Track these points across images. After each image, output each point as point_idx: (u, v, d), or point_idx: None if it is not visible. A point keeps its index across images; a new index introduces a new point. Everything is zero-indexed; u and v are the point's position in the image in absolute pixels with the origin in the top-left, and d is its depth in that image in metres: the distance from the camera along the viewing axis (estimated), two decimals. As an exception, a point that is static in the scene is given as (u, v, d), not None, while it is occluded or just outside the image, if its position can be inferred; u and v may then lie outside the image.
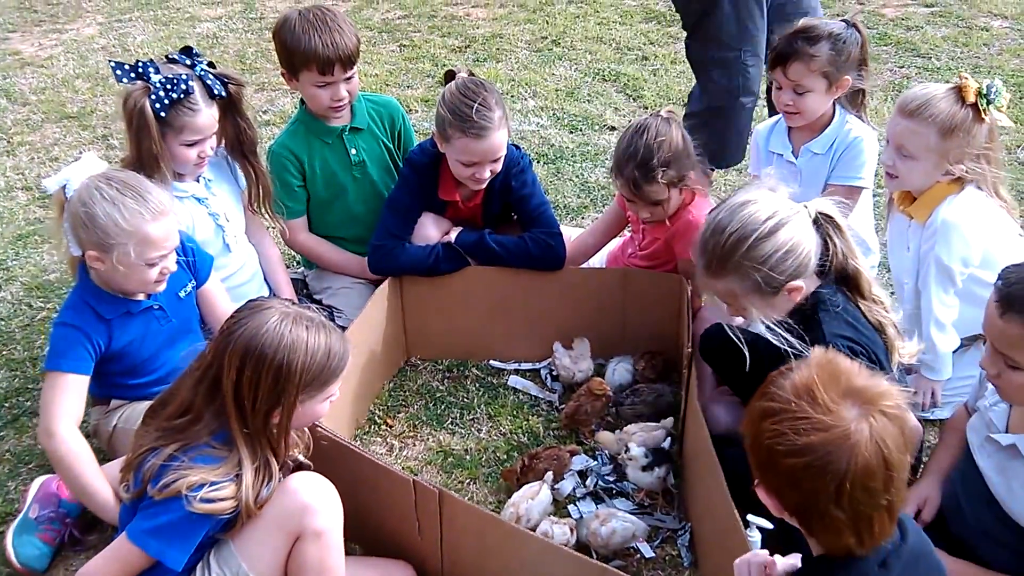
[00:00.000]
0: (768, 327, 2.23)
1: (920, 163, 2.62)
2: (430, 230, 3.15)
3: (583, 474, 2.87)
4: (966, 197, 2.63)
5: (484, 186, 3.09)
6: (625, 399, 3.04)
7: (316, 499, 2.15)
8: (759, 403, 1.58)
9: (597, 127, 4.93)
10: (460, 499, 2.39)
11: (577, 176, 4.45)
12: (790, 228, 2.22)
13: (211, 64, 2.88)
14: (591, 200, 4.28)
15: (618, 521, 2.56)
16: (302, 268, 3.58)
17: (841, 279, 2.33)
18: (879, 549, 1.55)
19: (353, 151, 3.29)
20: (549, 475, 2.69)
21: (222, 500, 2.01)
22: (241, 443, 2.05)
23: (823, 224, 2.29)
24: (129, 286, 2.54)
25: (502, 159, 3.03)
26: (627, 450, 2.79)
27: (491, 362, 3.32)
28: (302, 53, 3.05)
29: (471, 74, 3.05)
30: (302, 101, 3.29)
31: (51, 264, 3.79)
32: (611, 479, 2.85)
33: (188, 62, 2.81)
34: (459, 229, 3.17)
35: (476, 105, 2.90)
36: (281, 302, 2.12)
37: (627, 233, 3.44)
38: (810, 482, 1.49)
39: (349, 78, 3.15)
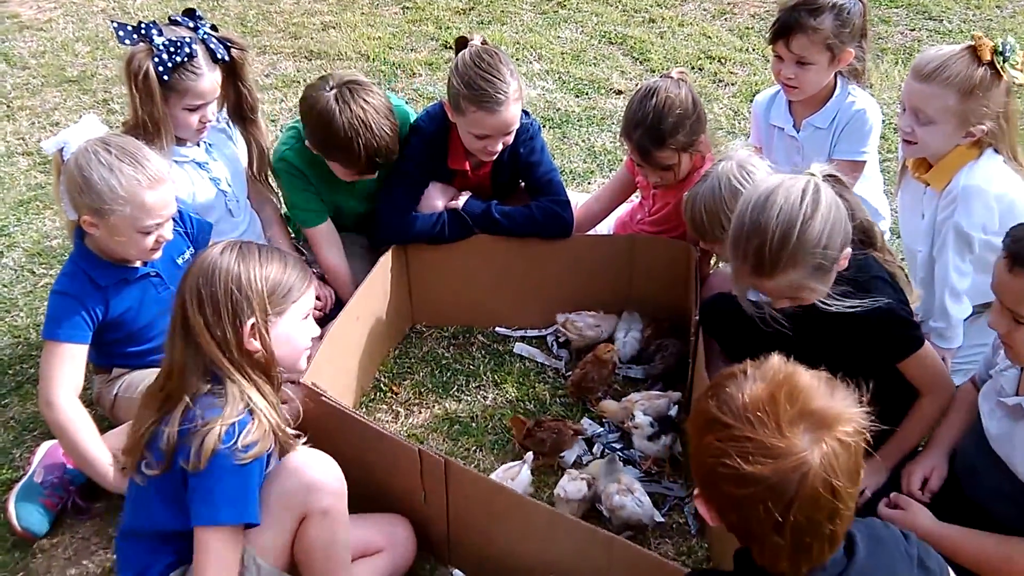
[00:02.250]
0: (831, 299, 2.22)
1: (940, 127, 2.55)
2: (436, 200, 3.09)
3: (590, 441, 2.86)
4: (986, 163, 2.57)
5: (495, 157, 3.04)
6: (653, 355, 3.02)
7: (320, 476, 2.12)
8: (707, 406, 1.47)
9: (603, 91, 4.86)
10: (466, 467, 2.37)
11: (583, 141, 4.39)
12: (822, 200, 2.12)
13: (214, 27, 2.82)
14: (597, 165, 4.23)
15: (633, 501, 2.54)
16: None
17: (857, 237, 2.30)
18: (818, 569, 1.49)
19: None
20: (529, 456, 2.66)
21: (257, 440, 1.98)
22: (234, 373, 2.02)
23: (833, 186, 2.24)
24: (124, 253, 2.51)
25: (515, 131, 2.97)
26: (632, 418, 2.77)
27: (497, 329, 3.29)
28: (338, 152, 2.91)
29: (484, 42, 2.97)
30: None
31: (53, 230, 3.76)
32: (618, 447, 2.84)
33: (191, 24, 2.76)
34: (467, 195, 3.11)
35: (490, 77, 2.82)
36: (228, 239, 2.13)
37: (635, 199, 3.40)
38: (751, 511, 1.40)
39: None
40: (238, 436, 1.95)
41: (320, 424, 2.57)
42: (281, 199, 3.28)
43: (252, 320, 2.02)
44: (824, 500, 1.38)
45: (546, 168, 3.11)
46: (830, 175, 2.24)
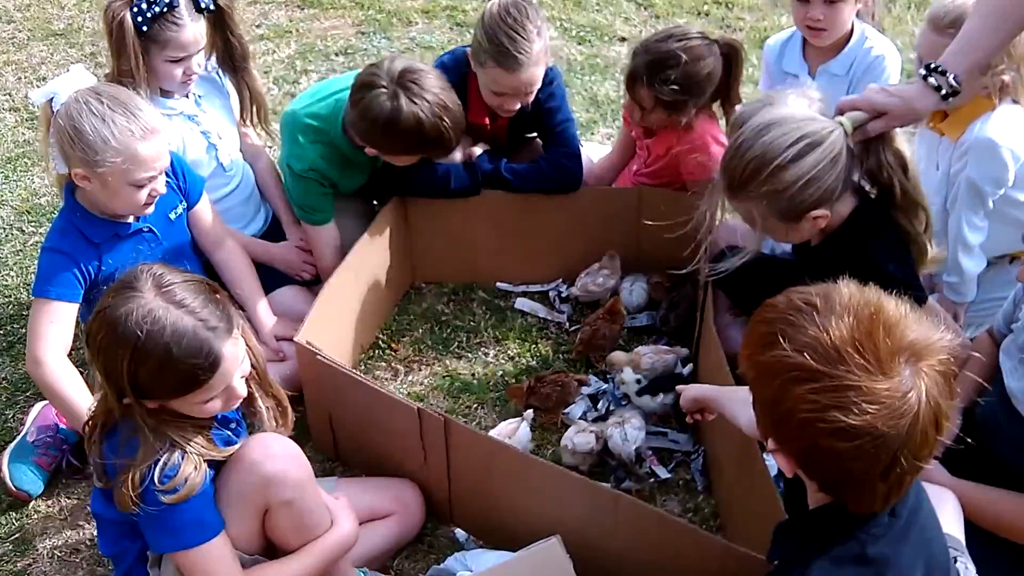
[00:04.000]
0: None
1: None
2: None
3: (594, 397, 2.79)
4: (1002, 113, 2.48)
5: (513, 114, 2.93)
6: (667, 312, 2.96)
7: (279, 469, 1.96)
8: (779, 353, 1.32)
9: (607, 38, 4.72)
10: (466, 426, 2.32)
11: (586, 90, 4.27)
12: (816, 154, 2.04)
13: (199, -25, 2.71)
14: (600, 115, 4.11)
15: (619, 433, 2.51)
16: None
17: (879, 192, 2.21)
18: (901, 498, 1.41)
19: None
20: (529, 413, 2.60)
21: (187, 476, 1.83)
22: (142, 422, 1.84)
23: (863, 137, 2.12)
24: (116, 207, 2.43)
25: (535, 91, 2.85)
26: (621, 371, 2.72)
27: (498, 284, 3.20)
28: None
29: None
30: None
31: (42, 187, 3.66)
32: (624, 403, 2.77)
33: None
34: (482, 147, 3.01)
35: (514, 35, 2.69)
36: (146, 268, 1.87)
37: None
38: (858, 463, 1.29)
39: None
40: (161, 478, 1.81)
41: (317, 384, 2.52)
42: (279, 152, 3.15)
43: (157, 403, 1.83)
44: (931, 436, 1.30)
45: (563, 116, 2.99)
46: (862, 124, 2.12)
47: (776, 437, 1.39)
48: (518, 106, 2.87)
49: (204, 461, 1.90)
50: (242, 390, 1.92)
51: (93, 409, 1.95)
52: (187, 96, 2.81)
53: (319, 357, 2.41)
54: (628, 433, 2.49)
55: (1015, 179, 2.50)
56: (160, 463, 1.83)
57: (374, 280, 2.95)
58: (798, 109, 2.14)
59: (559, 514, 2.18)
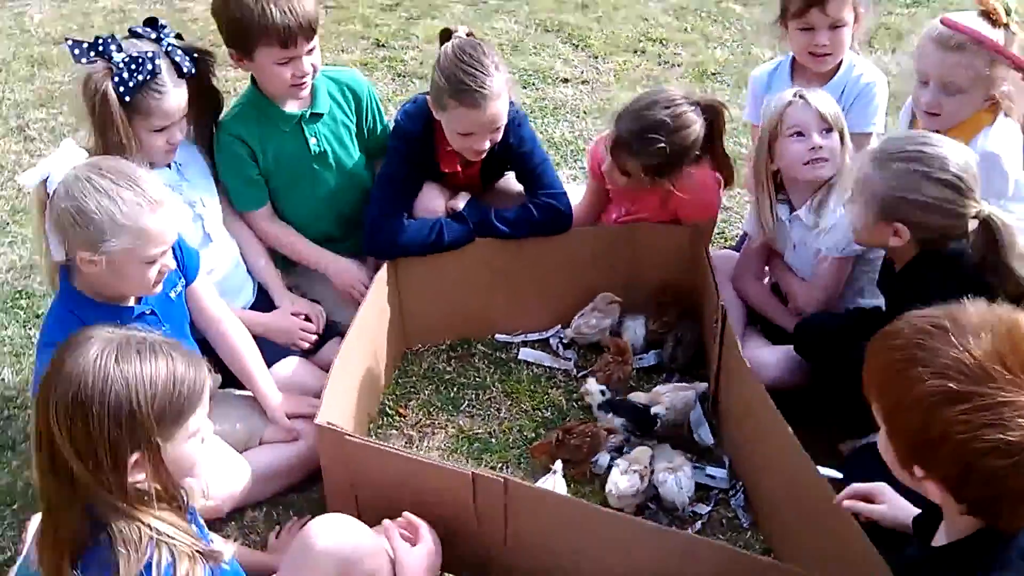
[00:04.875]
0: None
1: (969, 95, 2.53)
2: (436, 201, 2.91)
3: (618, 447, 2.73)
4: (1000, 128, 2.56)
5: (483, 156, 2.87)
6: (674, 349, 2.94)
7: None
8: (920, 381, 1.32)
9: (550, 80, 4.74)
10: (527, 485, 2.24)
11: (542, 132, 4.25)
12: (961, 199, 2.16)
13: (179, 35, 2.59)
14: (561, 156, 4.12)
15: (674, 481, 2.49)
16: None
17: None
18: None
19: (313, 140, 2.89)
20: (559, 464, 2.54)
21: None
22: (123, 513, 1.66)
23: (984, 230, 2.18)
24: (125, 289, 2.27)
25: (502, 128, 2.81)
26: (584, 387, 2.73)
27: (496, 337, 3.12)
28: (259, 26, 2.63)
29: (470, 34, 2.81)
30: (253, 81, 2.89)
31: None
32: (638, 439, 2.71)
33: (154, 36, 2.51)
34: (464, 196, 2.95)
35: (473, 71, 2.66)
36: (103, 330, 1.71)
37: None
38: (1016, 479, 1.29)
39: (311, 49, 2.77)
40: None
41: (343, 464, 2.38)
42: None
43: (136, 455, 1.66)
44: None
45: (540, 158, 2.97)
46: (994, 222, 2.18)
47: (924, 464, 1.38)
48: (487, 146, 2.82)
49: (198, 552, 1.72)
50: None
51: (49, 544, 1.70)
52: (168, 166, 2.66)
53: (348, 438, 2.29)
54: (682, 481, 2.46)
55: (1014, 192, 2.58)
56: (153, 566, 1.64)
57: (373, 348, 2.83)
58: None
59: (631, 564, 2.11)
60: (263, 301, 2.92)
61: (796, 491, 2.25)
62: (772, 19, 3.01)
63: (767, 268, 2.96)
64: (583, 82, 4.72)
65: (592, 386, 2.72)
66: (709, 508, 2.54)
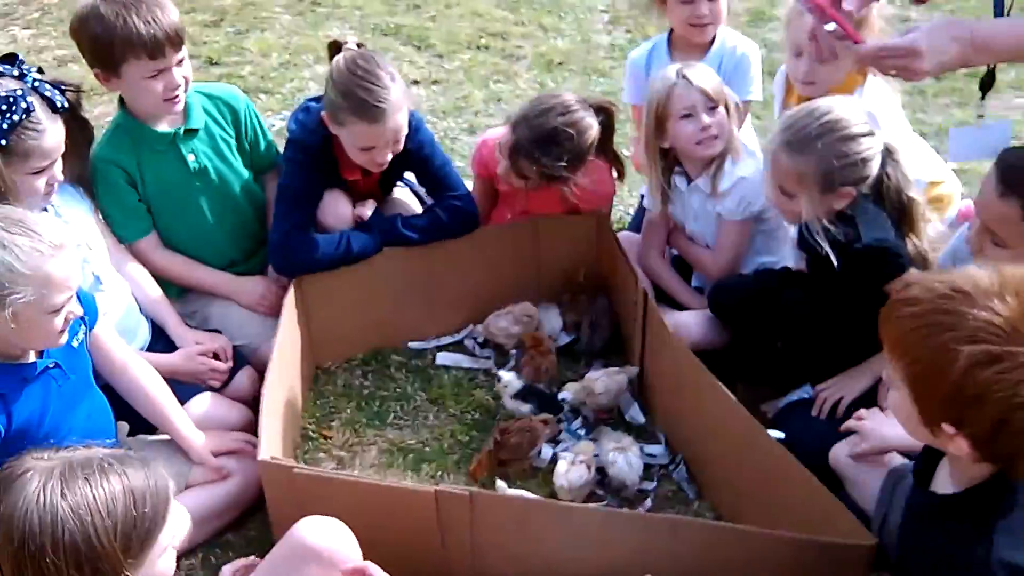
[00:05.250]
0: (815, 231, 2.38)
1: (841, 62, 2.66)
2: (342, 209, 2.82)
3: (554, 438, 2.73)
4: (872, 86, 2.74)
5: (385, 167, 2.80)
6: (592, 335, 2.96)
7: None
8: (950, 345, 1.39)
9: (400, 83, 4.67)
10: (492, 493, 2.19)
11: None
12: (872, 140, 2.37)
13: (39, 70, 2.36)
14: (429, 158, 4.06)
15: (624, 460, 2.51)
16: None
17: (894, 208, 2.43)
18: None
19: (191, 157, 2.75)
20: (501, 484, 2.47)
21: None
22: None
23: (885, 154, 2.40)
24: (30, 344, 2.06)
25: (403, 139, 2.74)
26: (499, 379, 2.74)
27: (409, 344, 3.05)
28: (122, 39, 2.49)
29: (360, 45, 2.71)
30: (121, 103, 2.73)
31: None
32: (583, 433, 2.74)
33: (16, 73, 2.28)
34: (371, 204, 2.87)
35: (369, 85, 2.58)
36: (36, 459, 1.54)
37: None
38: None
39: (181, 60, 2.65)
40: None
41: (290, 499, 2.23)
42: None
43: None
44: None
45: (440, 161, 2.92)
46: (890, 146, 2.45)
47: (956, 422, 1.46)
48: (389, 157, 2.75)
49: None
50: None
51: None
52: (45, 209, 2.42)
53: (298, 471, 2.18)
54: (632, 460, 2.48)
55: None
56: None
57: (288, 374, 2.69)
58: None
59: (610, 558, 2.10)
60: (159, 339, 2.72)
61: (746, 455, 2.32)
62: None
63: (668, 243, 3.04)
64: (434, 82, 4.69)
65: (508, 376, 2.72)
66: (654, 484, 2.58)
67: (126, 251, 2.73)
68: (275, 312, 2.78)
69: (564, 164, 2.73)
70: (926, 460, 1.71)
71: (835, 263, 2.35)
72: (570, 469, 2.48)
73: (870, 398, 2.45)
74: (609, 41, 5.03)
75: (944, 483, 1.65)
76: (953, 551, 1.54)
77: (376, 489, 2.16)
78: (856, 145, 2.34)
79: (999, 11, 2.19)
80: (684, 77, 2.72)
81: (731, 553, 2.05)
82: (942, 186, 2.99)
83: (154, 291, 2.74)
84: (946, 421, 1.47)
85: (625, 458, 2.51)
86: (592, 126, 2.76)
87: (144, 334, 2.69)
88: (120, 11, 2.51)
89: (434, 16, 5.34)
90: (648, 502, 2.53)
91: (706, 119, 2.71)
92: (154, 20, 2.52)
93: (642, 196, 3.53)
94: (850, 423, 2.27)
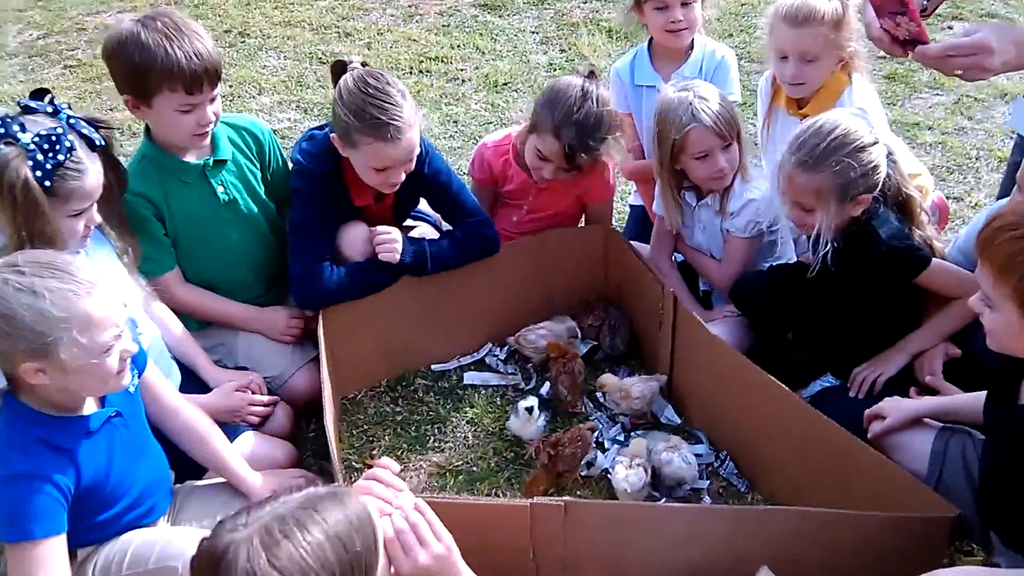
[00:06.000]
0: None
1: (824, 61, 2.83)
2: (361, 238, 2.77)
3: (599, 444, 2.76)
4: (859, 86, 2.90)
5: (397, 188, 2.77)
6: (612, 339, 3.01)
7: None
8: None
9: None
10: (586, 501, 2.19)
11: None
12: (878, 147, 2.46)
13: (68, 106, 2.25)
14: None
15: (680, 458, 2.56)
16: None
17: (896, 205, 2.55)
18: None
19: (220, 189, 2.69)
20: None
21: None
22: None
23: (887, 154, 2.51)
24: (90, 390, 1.97)
25: (415, 157, 2.72)
26: (529, 411, 2.72)
27: (432, 367, 3.02)
28: (161, 71, 2.40)
29: (365, 63, 2.68)
30: (147, 131, 2.64)
31: None
32: (622, 438, 2.78)
33: (50, 109, 2.16)
34: (395, 231, 2.82)
35: (382, 103, 2.55)
36: (231, 531, 1.39)
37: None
38: None
39: (214, 97, 2.57)
40: None
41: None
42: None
43: None
44: None
45: (457, 186, 2.92)
46: (889, 148, 2.55)
47: None
48: (403, 177, 2.73)
49: None
50: None
51: None
52: (78, 252, 2.29)
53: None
54: (687, 456, 2.55)
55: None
56: None
57: (331, 405, 2.62)
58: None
59: (697, 552, 2.14)
60: (189, 381, 2.60)
61: (807, 442, 2.40)
62: (627, 8, 3.22)
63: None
64: (385, 108, 4.65)
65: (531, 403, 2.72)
66: (707, 482, 2.64)
67: (151, 292, 2.61)
68: (298, 342, 2.73)
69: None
70: (1008, 379, 1.85)
71: (858, 266, 2.49)
72: (628, 472, 2.51)
73: (907, 376, 2.59)
74: (547, 60, 5.11)
75: None
76: None
77: (471, 508, 2.14)
78: (867, 155, 2.45)
79: None
80: (699, 120, 2.74)
81: (818, 537, 2.12)
82: (920, 178, 3.18)
83: (180, 331, 2.65)
84: None
85: (681, 456, 2.56)
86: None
87: (176, 376, 2.58)
88: (162, 40, 2.42)
89: (368, 43, 5.31)
90: (707, 498, 2.59)
91: (722, 161, 2.80)
92: (196, 55, 2.44)
93: (631, 206, 3.63)
94: (870, 410, 2.39)
